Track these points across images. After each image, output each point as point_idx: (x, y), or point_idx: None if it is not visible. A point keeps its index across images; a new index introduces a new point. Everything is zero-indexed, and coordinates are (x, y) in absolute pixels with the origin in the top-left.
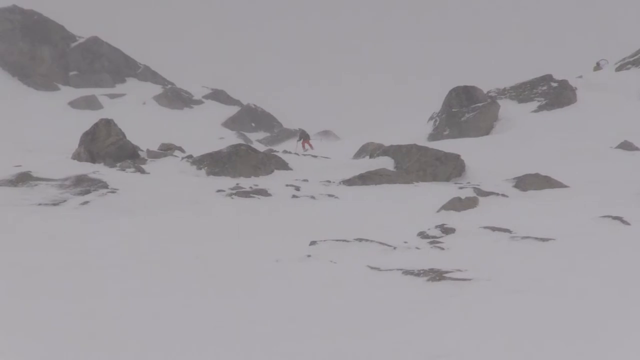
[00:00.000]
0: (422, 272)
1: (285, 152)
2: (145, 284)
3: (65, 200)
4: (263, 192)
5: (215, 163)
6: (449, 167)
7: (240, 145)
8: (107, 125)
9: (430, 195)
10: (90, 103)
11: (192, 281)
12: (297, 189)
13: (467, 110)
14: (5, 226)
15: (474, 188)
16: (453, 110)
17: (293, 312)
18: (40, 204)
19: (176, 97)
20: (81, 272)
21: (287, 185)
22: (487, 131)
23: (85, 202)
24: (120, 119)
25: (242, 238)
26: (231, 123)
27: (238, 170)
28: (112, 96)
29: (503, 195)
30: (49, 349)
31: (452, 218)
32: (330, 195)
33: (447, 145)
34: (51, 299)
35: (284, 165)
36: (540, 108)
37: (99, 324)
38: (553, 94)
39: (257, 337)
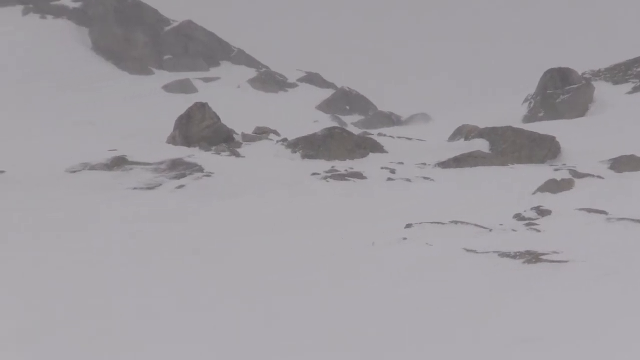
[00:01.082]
0: (518, 254)
1: (380, 135)
2: (247, 268)
3: (160, 185)
4: (358, 175)
5: (310, 146)
6: (545, 149)
7: (335, 128)
8: (201, 109)
9: (526, 177)
10: (184, 87)
11: (294, 266)
12: (393, 172)
13: (562, 92)
14: (99, 210)
15: (570, 170)
16: (548, 92)
17: (392, 296)
18: (135, 188)
19: (270, 81)
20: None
21: (382, 168)
22: (582, 113)
23: (181, 186)
24: (215, 103)
25: (338, 221)
26: (326, 106)
27: (333, 154)
28: (207, 80)
29: (599, 177)
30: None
31: (547, 200)
32: (425, 178)
33: (542, 127)
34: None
35: (379, 148)
36: (635, 90)
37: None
38: None
39: (364, 322)
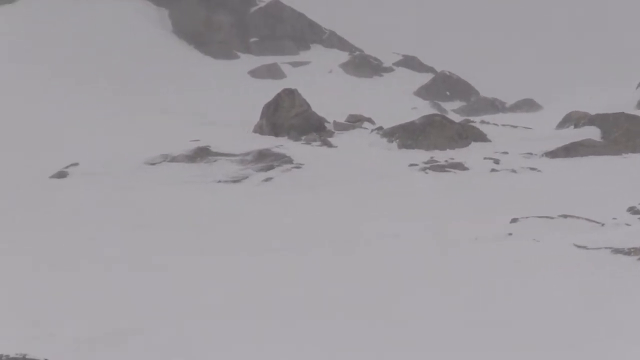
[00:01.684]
0: (632, 250)
1: (483, 122)
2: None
3: (246, 177)
4: (459, 166)
5: (408, 135)
6: None
7: (434, 115)
8: (290, 95)
9: None
10: (272, 72)
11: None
12: (496, 162)
13: None
14: (183, 206)
15: None
16: None
17: (495, 296)
18: (220, 181)
19: (364, 65)
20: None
21: (485, 159)
22: None
23: (269, 179)
24: (305, 89)
25: (437, 214)
26: (424, 92)
27: (432, 143)
28: (296, 64)
29: None
30: None
31: None
32: (531, 169)
33: None
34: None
35: (482, 137)
36: None
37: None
38: None
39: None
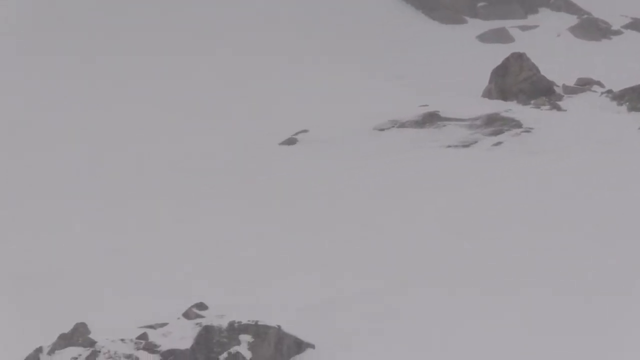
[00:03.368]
0: None
1: None
2: None
3: (476, 142)
4: None
5: (638, 97)
6: None
7: None
8: (519, 59)
9: None
10: (500, 36)
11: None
12: None
13: None
14: (414, 172)
15: None
16: None
17: None
18: (449, 146)
19: (592, 28)
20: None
21: None
22: None
23: (498, 143)
24: (533, 53)
25: None
26: None
27: None
28: (524, 28)
29: None
30: None
31: None
32: None
33: None
34: None
35: None
36: None
37: None
38: None
39: None
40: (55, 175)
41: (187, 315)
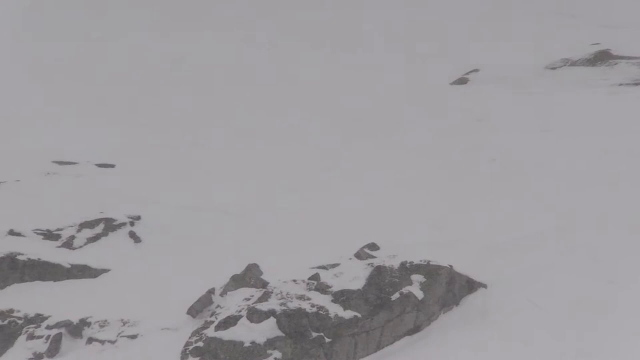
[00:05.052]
0: None
1: None
2: None
3: None
4: None
5: None
6: None
7: None
8: None
9: None
10: None
11: None
12: None
13: None
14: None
15: None
16: None
17: None
18: (620, 84)
19: None
20: None
21: None
22: None
23: None
24: None
25: None
26: None
27: None
28: None
29: None
30: None
31: None
32: None
33: None
34: None
35: None
36: None
37: None
38: None
39: None
40: None
41: (359, 255)
